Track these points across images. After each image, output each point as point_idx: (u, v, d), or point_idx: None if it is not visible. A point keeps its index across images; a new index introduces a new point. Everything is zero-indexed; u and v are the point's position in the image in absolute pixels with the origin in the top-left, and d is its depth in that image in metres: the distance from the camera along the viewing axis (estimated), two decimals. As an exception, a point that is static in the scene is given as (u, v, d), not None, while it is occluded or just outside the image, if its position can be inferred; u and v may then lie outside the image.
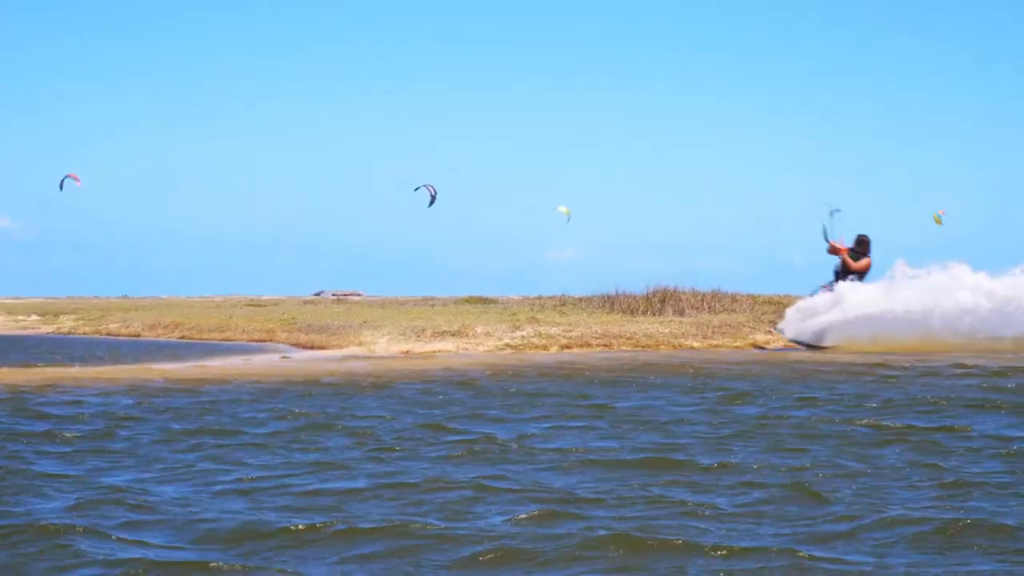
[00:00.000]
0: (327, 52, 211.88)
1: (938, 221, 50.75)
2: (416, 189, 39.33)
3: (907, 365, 36.54)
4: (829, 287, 29.23)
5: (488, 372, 39.70)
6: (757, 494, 16.74)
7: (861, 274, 30.73)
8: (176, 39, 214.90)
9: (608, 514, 15.51)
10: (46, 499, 16.39)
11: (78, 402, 28.73)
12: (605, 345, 54.98)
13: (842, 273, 31.68)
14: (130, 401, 29.05)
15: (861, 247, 31.01)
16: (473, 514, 15.71)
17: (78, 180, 29.98)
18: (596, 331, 57.31)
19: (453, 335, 56.34)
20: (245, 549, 13.95)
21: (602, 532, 14.24)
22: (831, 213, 27.57)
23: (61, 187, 36.09)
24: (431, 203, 37.42)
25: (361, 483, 17.68)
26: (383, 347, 54.48)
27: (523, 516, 15.41)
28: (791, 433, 22.87)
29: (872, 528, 14.32)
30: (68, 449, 21.06)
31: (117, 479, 17.93)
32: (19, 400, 28.86)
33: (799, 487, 16.99)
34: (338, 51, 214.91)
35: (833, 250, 29.17)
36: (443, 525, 14.91)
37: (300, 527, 14.76)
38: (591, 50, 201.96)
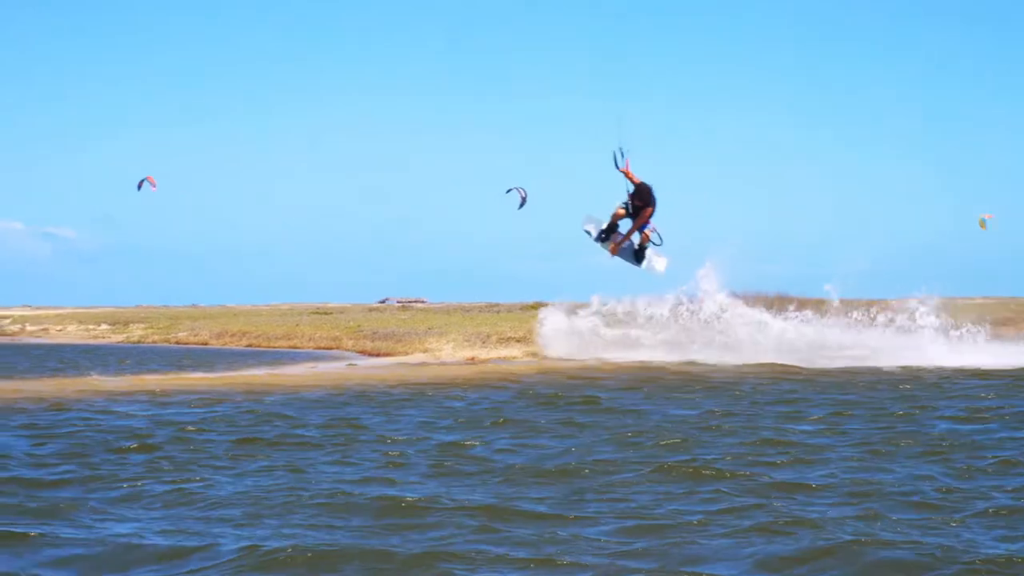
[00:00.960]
0: (392, 67, 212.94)
1: (983, 226, 50.41)
2: (507, 191, 39.57)
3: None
4: (624, 207, 28.50)
5: (548, 378, 39.98)
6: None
7: (643, 216, 29.32)
8: (243, 59, 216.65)
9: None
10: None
11: (203, 407, 29.22)
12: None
13: (633, 203, 29.92)
14: (222, 409, 29.50)
15: (642, 196, 29.83)
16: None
17: (154, 184, 30.40)
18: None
19: (518, 341, 56.58)
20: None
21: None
22: (621, 150, 27.33)
23: (139, 188, 36.59)
24: (521, 205, 37.63)
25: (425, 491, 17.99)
26: (448, 353, 54.76)
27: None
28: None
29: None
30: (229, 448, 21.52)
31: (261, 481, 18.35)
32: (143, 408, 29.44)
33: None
34: (402, 65, 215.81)
35: (627, 175, 28.74)
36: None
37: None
38: (646, 60, 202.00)
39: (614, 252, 28.31)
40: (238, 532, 15.22)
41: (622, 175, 28.07)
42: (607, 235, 28.32)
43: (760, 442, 22.91)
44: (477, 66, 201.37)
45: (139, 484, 18.37)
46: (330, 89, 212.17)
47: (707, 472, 19.37)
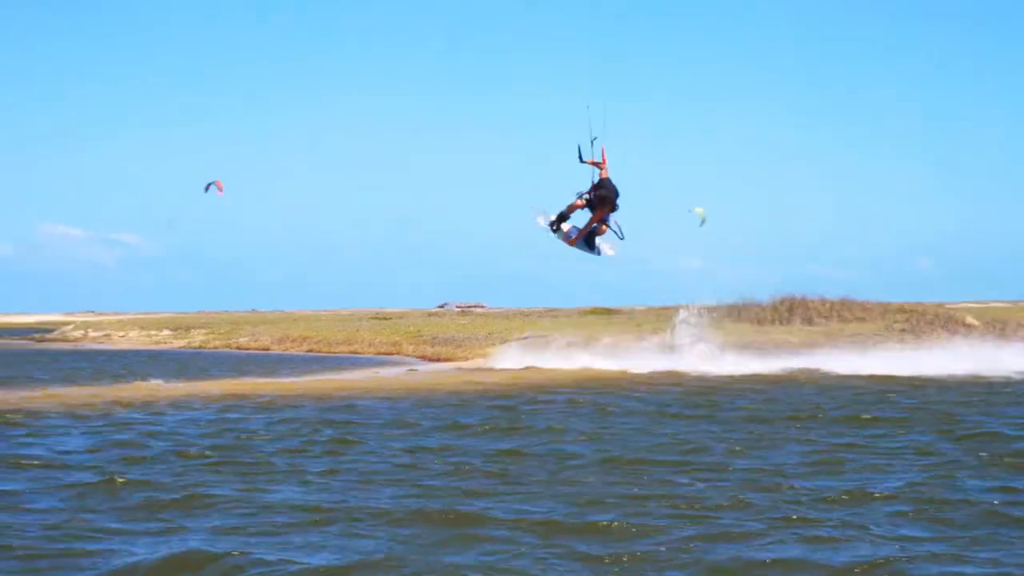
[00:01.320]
0: (450, 74, 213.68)
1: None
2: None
3: None
4: (584, 199, 27.67)
5: (614, 382, 39.88)
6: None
7: (603, 211, 28.26)
8: (303, 65, 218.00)
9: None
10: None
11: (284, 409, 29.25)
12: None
13: (596, 193, 28.74)
14: (289, 413, 29.53)
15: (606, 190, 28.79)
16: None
17: (221, 188, 30.39)
18: (722, 341, 56.94)
19: (579, 346, 56.32)
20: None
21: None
22: (592, 141, 26.62)
23: (206, 190, 36.62)
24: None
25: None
26: (510, 358, 54.59)
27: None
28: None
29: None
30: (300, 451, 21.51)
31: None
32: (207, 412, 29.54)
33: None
34: (461, 73, 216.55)
35: (593, 163, 27.89)
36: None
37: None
38: (645, 60, 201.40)
39: (572, 244, 28.05)
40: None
41: (591, 167, 27.62)
42: (558, 224, 28.00)
43: None
44: (521, 75, 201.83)
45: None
46: (385, 96, 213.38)
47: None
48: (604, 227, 27.76)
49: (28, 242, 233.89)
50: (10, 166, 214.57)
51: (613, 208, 27.31)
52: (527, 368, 51.38)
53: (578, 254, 28.77)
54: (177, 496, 17.83)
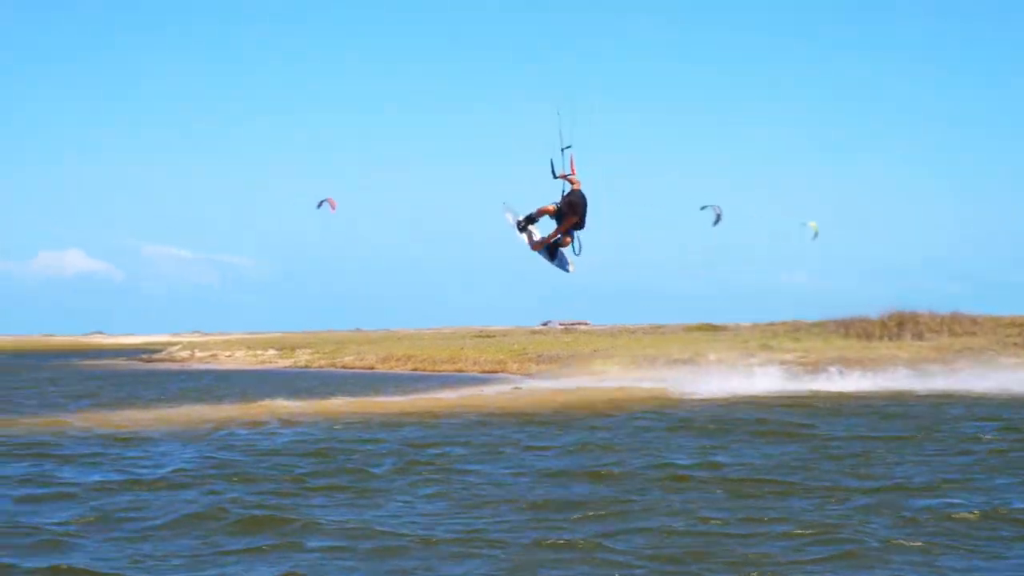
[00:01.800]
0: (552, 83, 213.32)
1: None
2: (702, 208, 39.17)
3: None
4: (556, 207, 26.55)
5: (724, 401, 39.58)
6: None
7: (568, 223, 26.91)
8: (406, 88, 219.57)
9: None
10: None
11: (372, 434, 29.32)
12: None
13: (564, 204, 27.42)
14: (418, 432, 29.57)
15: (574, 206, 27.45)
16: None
17: (334, 206, 30.49)
18: (831, 356, 56.33)
19: (685, 363, 55.99)
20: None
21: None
22: (563, 150, 25.56)
23: (318, 206, 36.89)
24: (716, 222, 37.14)
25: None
26: (615, 376, 54.32)
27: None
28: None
29: None
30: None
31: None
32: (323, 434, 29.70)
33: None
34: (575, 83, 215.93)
35: (564, 176, 26.63)
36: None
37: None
38: (826, 73, 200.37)
39: (536, 249, 27.39)
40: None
41: (563, 181, 26.72)
42: (526, 225, 27.33)
43: None
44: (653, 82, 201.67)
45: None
46: (488, 108, 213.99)
47: None
48: (568, 240, 27.05)
49: (136, 264, 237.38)
50: (119, 188, 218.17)
51: (580, 221, 26.49)
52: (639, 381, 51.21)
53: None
54: (297, 518, 17.84)
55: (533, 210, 27.17)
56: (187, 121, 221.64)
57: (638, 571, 14.54)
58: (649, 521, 17.28)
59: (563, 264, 27.56)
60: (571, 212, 26.28)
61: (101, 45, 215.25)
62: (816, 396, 42.05)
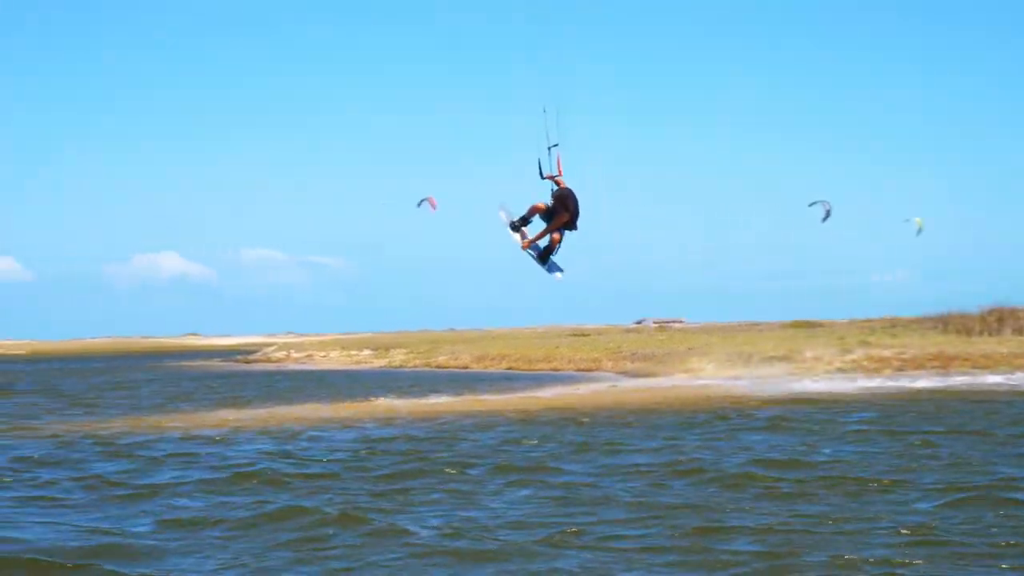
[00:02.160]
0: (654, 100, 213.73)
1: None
2: (811, 205, 38.89)
3: None
4: (546, 205, 25.38)
5: (827, 399, 39.24)
6: None
7: (559, 220, 25.46)
8: (496, 88, 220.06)
9: None
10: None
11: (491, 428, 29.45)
12: (940, 367, 53.33)
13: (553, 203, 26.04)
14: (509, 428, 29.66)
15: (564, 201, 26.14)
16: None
17: (433, 205, 30.54)
18: (930, 352, 55.59)
19: (781, 360, 55.53)
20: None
21: None
22: (549, 149, 24.43)
23: (419, 205, 37.15)
24: (825, 218, 36.84)
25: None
26: (710, 373, 54.07)
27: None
28: None
29: None
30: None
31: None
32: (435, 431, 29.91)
33: None
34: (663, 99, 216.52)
35: (551, 177, 25.36)
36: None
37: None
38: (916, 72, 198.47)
39: (524, 247, 26.61)
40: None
41: (551, 182, 25.78)
42: (519, 226, 26.55)
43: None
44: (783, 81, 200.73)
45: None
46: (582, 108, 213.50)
47: None
48: (556, 238, 26.37)
49: (232, 266, 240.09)
50: (218, 192, 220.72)
51: (572, 220, 25.59)
52: (735, 379, 50.96)
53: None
54: (395, 515, 17.91)
55: (525, 210, 26.60)
56: (280, 125, 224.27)
57: (741, 570, 14.41)
58: (748, 519, 17.15)
59: (553, 269, 26.88)
60: (563, 208, 25.55)
61: (191, 49, 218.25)
62: (919, 392, 41.72)
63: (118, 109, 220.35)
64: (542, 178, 25.12)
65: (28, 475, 23.28)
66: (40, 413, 39.57)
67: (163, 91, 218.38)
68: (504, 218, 26.70)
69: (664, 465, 23.10)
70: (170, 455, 25.91)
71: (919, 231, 37.19)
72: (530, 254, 26.76)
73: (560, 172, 25.03)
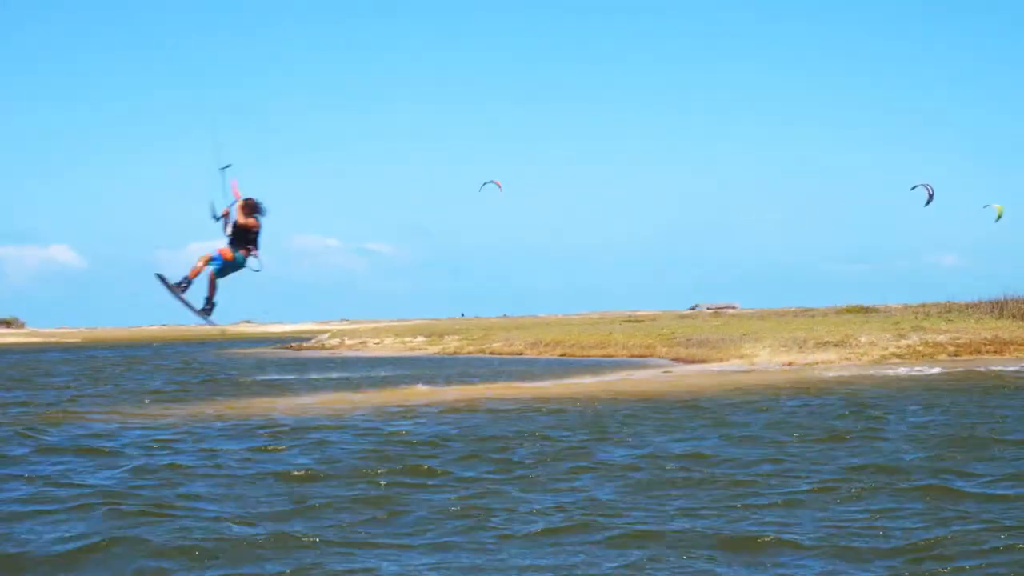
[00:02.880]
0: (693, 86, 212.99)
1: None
2: (913, 188, 39.08)
3: None
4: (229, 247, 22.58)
5: (873, 384, 39.30)
6: None
7: (248, 234, 22.72)
8: (568, 72, 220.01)
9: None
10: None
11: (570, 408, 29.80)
12: (996, 351, 53.26)
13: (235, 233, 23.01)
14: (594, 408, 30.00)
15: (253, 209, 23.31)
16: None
17: (500, 187, 30.91)
18: (985, 337, 55.49)
19: (836, 345, 55.52)
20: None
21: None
22: (222, 170, 21.75)
23: (481, 188, 37.48)
24: (928, 202, 37.00)
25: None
26: (764, 359, 54.11)
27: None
28: None
29: None
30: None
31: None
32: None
33: None
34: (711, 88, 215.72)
35: (226, 214, 22.52)
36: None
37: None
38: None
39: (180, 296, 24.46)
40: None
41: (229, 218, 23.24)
42: (185, 288, 24.20)
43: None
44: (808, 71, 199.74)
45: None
46: (636, 99, 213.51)
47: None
48: (249, 251, 24.35)
49: (285, 253, 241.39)
50: (272, 178, 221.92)
51: (256, 231, 22.95)
52: (789, 365, 51.07)
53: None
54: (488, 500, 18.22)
55: (188, 271, 23.72)
56: (331, 109, 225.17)
57: (809, 553, 14.65)
58: (823, 511, 17.33)
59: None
60: (254, 217, 22.94)
61: (246, 34, 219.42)
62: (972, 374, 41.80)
63: (170, 97, 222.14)
64: (216, 219, 22.93)
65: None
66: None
67: (210, 78, 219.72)
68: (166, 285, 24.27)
69: (723, 450, 23.33)
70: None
71: (998, 218, 37.22)
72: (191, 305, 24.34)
73: (238, 195, 22.92)
